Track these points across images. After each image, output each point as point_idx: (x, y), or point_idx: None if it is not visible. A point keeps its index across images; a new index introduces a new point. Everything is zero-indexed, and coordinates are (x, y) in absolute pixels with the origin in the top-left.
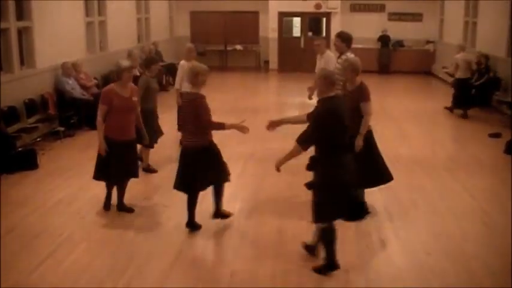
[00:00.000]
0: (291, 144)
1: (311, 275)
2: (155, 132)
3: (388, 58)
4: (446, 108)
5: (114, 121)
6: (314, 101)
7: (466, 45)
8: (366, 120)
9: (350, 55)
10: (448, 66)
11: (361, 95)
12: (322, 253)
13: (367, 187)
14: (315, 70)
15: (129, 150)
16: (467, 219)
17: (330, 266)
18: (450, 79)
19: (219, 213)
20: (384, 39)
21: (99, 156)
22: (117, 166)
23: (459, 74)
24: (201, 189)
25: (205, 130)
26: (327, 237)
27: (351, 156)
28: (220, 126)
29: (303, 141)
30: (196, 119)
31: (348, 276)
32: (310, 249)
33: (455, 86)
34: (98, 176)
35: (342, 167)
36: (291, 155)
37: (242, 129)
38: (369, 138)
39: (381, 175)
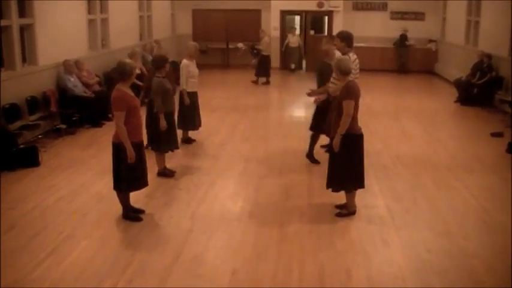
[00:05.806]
0: (292, 142)
1: (312, 274)
2: (173, 136)
3: (406, 57)
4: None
5: (132, 123)
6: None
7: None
8: (344, 120)
9: (352, 56)
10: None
11: (343, 93)
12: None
13: (336, 189)
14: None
15: (143, 151)
16: (468, 218)
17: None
18: (453, 78)
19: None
20: (402, 39)
21: (126, 165)
22: (144, 168)
23: (266, 52)
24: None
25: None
26: None
27: None
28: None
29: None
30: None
31: (350, 275)
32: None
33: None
34: (130, 186)
35: None
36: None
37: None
38: (357, 142)
39: (353, 181)
